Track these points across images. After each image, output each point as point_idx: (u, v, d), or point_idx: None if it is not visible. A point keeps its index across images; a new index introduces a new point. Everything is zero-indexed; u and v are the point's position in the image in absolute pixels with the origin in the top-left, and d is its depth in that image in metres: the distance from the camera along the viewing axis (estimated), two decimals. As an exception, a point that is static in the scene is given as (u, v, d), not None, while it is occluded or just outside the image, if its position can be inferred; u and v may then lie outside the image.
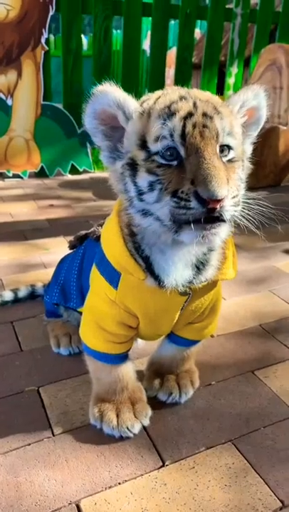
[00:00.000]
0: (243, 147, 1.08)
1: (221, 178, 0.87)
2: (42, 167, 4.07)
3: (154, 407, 1.31)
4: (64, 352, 1.57)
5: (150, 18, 4.11)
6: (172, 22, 4.95)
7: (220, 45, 4.51)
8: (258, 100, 1.06)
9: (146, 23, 4.61)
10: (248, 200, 1.00)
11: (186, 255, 1.09)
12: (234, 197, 0.93)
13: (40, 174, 4.08)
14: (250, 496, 1.08)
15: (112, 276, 1.15)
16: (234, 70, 4.66)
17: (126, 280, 1.13)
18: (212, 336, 1.70)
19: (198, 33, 7.48)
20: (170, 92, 0.99)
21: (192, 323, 1.28)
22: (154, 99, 0.98)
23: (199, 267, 1.11)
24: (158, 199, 0.93)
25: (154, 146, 0.93)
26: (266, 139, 3.67)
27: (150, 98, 1.00)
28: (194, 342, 1.34)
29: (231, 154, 0.97)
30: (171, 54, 5.24)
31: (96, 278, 1.22)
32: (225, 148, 0.96)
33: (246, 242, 2.60)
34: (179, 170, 0.92)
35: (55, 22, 3.90)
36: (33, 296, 1.92)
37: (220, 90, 4.85)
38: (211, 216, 0.91)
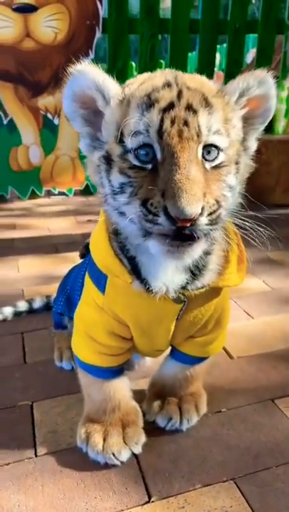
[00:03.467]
0: (246, 143, 0.94)
1: (193, 195, 0.74)
2: (87, 185, 4.09)
3: (151, 433, 1.17)
4: (66, 366, 1.47)
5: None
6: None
7: (271, 58, 4.35)
8: (265, 88, 0.90)
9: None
10: (237, 214, 0.86)
11: None
12: (212, 213, 0.79)
13: (85, 192, 4.10)
14: None
15: (99, 279, 1.05)
16: (287, 83, 4.46)
17: (113, 283, 1.02)
18: (231, 358, 1.52)
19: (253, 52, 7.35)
20: (156, 76, 0.88)
21: (194, 337, 1.13)
22: (138, 84, 0.88)
23: (194, 271, 0.98)
24: (128, 202, 0.83)
25: (129, 142, 0.82)
26: None
27: (135, 82, 0.90)
28: (198, 360, 1.19)
29: (220, 158, 0.83)
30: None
31: (87, 283, 1.12)
32: (212, 149, 0.82)
33: (283, 256, 2.39)
34: (153, 175, 0.80)
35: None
36: (48, 307, 1.85)
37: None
38: (181, 233, 0.79)
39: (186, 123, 0.79)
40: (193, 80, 0.87)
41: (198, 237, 0.80)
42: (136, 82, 0.89)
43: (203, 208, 0.77)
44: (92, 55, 3.77)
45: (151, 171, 0.81)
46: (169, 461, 1.10)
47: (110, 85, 0.88)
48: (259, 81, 0.90)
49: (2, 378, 1.43)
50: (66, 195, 4.07)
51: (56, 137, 3.93)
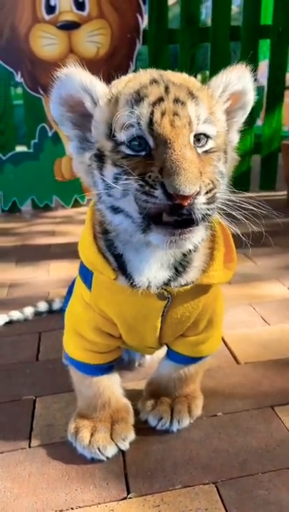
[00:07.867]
0: (229, 136, 0.97)
1: (191, 172, 0.77)
2: (128, 193, 4.17)
3: (142, 432, 1.18)
4: (72, 364, 1.51)
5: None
6: None
7: None
8: (243, 83, 0.94)
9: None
10: (232, 198, 0.87)
11: (164, 255, 0.98)
12: (208, 192, 0.81)
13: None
14: None
15: (86, 276, 1.09)
16: None
17: (98, 280, 1.06)
18: (238, 363, 1.49)
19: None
20: (142, 75, 0.92)
21: (186, 336, 1.13)
22: (124, 83, 0.91)
23: (178, 268, 0.99)
24: (124, 192, 0.84)
25: (121, 136, 0.85)
26: None
27: (120, 81, 0.94)
28: (192, 360, 1.18)
29: (209, 144, 0.87)
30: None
31: (76, 279, 1.18)
32: (201, 137, 0.86)
33: None
34: (147, 159, 0.83)
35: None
36: (67, 308, 1.92)
37: None
38: (182, 219, 0.81)
39: (176, 114, 0.82)
40: (177, 77, 0.91)
41: (197, 220, 0.81)
42: (122, 82, 0.92)
43: (200, 187, 0.78)
44: (132, 67, 3.87)
45: (145, 157, 0.83)
46: (155, 461, 1.11)
47: (98, 86, 0.91)
48: (239, 76, 0.93)
49: (13, 373, 1.51)
50: (107, 203, 4.18)
51: (98, 147, 4.06)
